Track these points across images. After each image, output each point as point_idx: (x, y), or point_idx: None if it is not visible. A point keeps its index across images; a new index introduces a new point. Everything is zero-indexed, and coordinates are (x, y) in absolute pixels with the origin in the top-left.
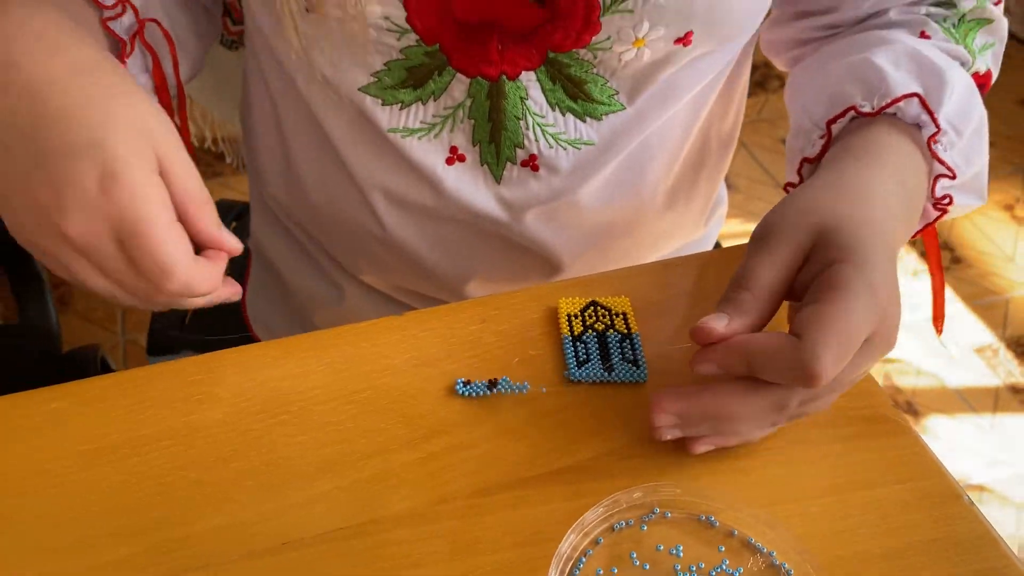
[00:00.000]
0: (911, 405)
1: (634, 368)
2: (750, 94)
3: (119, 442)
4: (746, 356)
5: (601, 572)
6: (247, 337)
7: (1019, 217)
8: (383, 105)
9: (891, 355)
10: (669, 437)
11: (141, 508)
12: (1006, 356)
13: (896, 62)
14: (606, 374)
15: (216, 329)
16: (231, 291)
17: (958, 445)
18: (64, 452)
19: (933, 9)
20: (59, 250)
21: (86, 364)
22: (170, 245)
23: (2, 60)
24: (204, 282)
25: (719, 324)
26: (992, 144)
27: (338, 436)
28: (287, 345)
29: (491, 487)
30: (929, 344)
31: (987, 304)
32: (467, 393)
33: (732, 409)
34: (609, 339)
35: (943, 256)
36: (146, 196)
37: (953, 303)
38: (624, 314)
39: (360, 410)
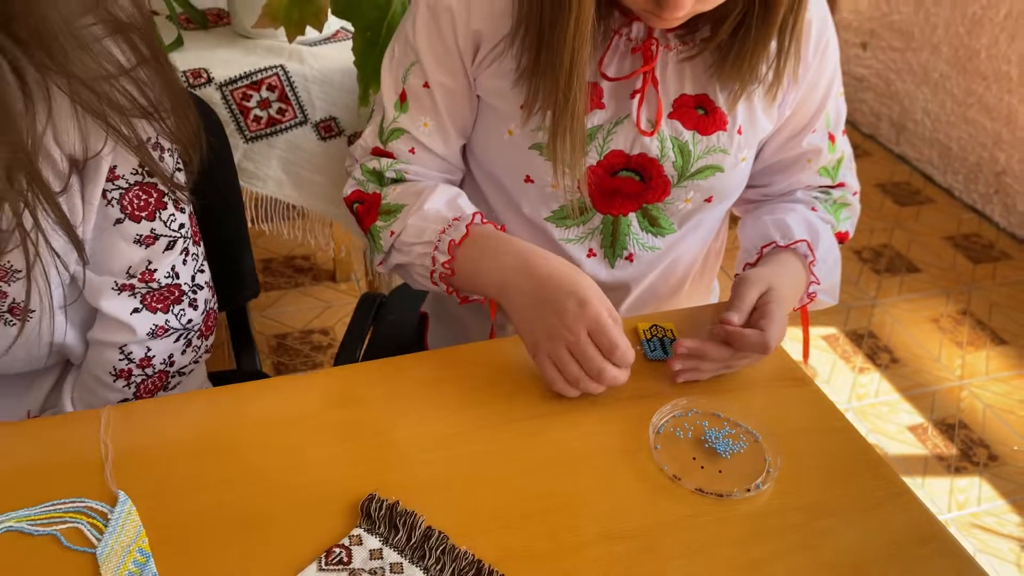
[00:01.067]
0: None
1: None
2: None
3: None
4: (739, 336)
5: (670, 429)
6: None
7: (943, 328)
8: (556, 227)
9: None
10: (681, 379)
11: None
12: (933, 433)
13: (797, 222)
14: (663, 355)
15: None
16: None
17: None
18: None
19: (818, 194)
20: (560, 352)
21: None
22: (616, 331)
23: (522, 263)
24: (628, 361)
25: (734, 318)
26: (922, 271)
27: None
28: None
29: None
30: (873, 424)
31: (918, 394)
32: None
33: (714, 360)
34: (664, 340)
35: (884, 358)
36: (600, 310)
37: (892, 392)
38: (671, 329)
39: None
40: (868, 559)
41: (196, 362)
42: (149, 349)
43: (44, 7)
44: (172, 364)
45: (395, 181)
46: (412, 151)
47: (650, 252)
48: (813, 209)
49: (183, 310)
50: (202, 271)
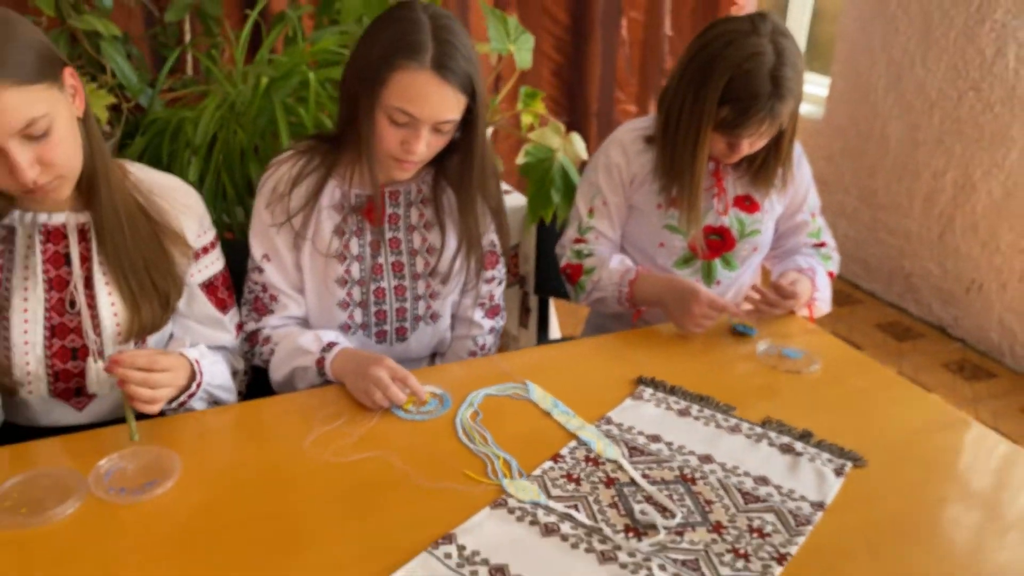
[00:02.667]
0: None
1: (749, 329)
2: None
3: None
4: (785, 291)
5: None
6: None
7: None
8: (677, 269)
9: None
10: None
11: None
12: None
13: (805, 260)
14: (745, 331)
15: None
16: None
17: None
18: None
19: (811, 250)
20: (689, 318)
21: None
22: (718, 300)
23: (664, 283)
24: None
25: (783, 280)
26: (864, 349)
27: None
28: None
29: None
30: None
31: None
32: (741, 331)
33: (772, 306)
34: (739, 327)
35: None
36: (702, 292)
37: None
38: (743, 322)
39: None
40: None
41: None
42: None
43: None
44: None
45: (589, 255)
46: (597, 238)
47: (725, 280)
48: (811, 257)
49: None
50: None
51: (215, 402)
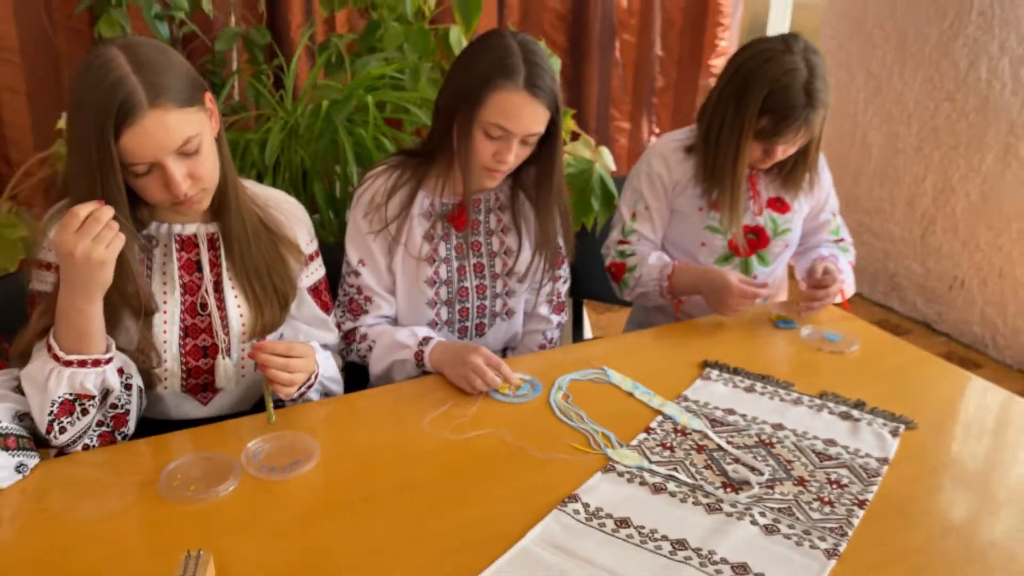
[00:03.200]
0: None
1: (790, 322)
2: None
3: None
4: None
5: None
6: None
7: None
8: (717, 266)
9: None
10: (805, 312)
11: None
12: None
13: (826, 252)
14: (787, 326)
15: None
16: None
17: None
18: None
19: (832, 246)
20: (725, 304)
21: None
22: (750, 288)
23: (698, 273)
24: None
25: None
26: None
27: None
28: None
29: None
30: None
31: None
32: (783, 326)
33: (818, 300)
34: (780, 320)
35: None
36: (730, 279)
37: None
38: (783, 315)
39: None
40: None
41: None
42: None
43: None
44: None
45: (631, 255)
46: (639, 240)
47: (761, 274)
48: (831, 248)
49: None
50: None
51: (326, 393)
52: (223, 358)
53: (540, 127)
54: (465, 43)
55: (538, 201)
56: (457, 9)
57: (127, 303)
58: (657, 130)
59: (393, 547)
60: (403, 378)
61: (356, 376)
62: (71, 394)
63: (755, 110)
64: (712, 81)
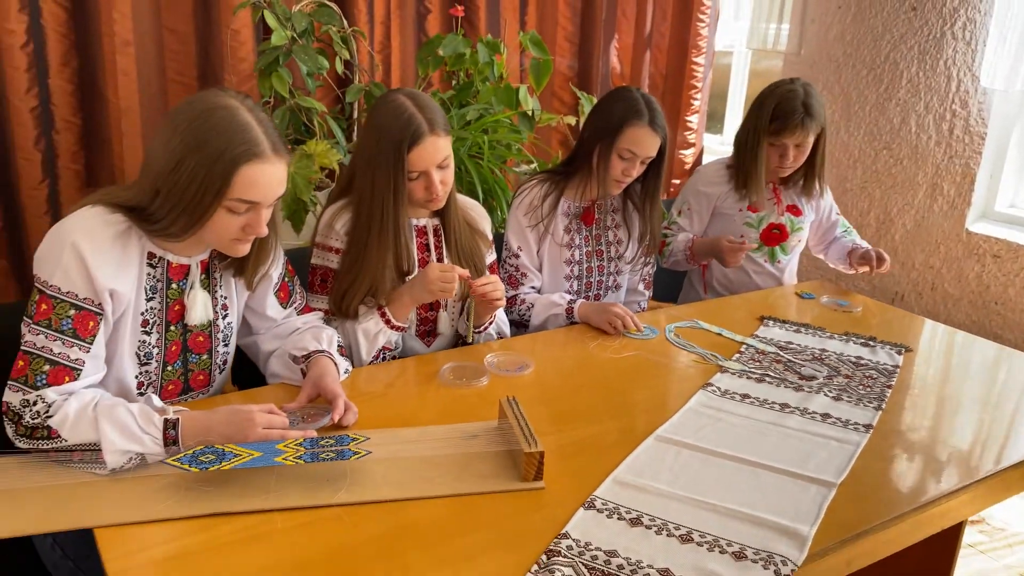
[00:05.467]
0: None
1: (811, 294)
2: None
3: None
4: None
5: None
6: None
7: None
8: (750, 253)
9: None
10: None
11: None
12: None
13: (857, 241)
14: (807, 296)
15: None
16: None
17: None
18: None
19: (853, 233)
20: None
21: None
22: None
23: (711, 241)
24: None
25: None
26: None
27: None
28: None
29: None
30: None
31: None
32: (806, 297)
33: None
34: (803, 295)
35: None
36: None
37: None
38: (804, 291)
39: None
40: None
41: None
42: None
43: None
44: None
45: (669, 237)
46: (677, 230)
47: (783, 261)
48: (852, 237)
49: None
50: None
51: (499, 335)
52: (443, 311)
53: (655, 152)
54: (531, 100)
55: (643, 207)
56: (531, 73)
57: (401, 275)
58: None
59: (592, 411)
60: (555, 327)
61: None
62: (384, 345)
63: (767, 119)
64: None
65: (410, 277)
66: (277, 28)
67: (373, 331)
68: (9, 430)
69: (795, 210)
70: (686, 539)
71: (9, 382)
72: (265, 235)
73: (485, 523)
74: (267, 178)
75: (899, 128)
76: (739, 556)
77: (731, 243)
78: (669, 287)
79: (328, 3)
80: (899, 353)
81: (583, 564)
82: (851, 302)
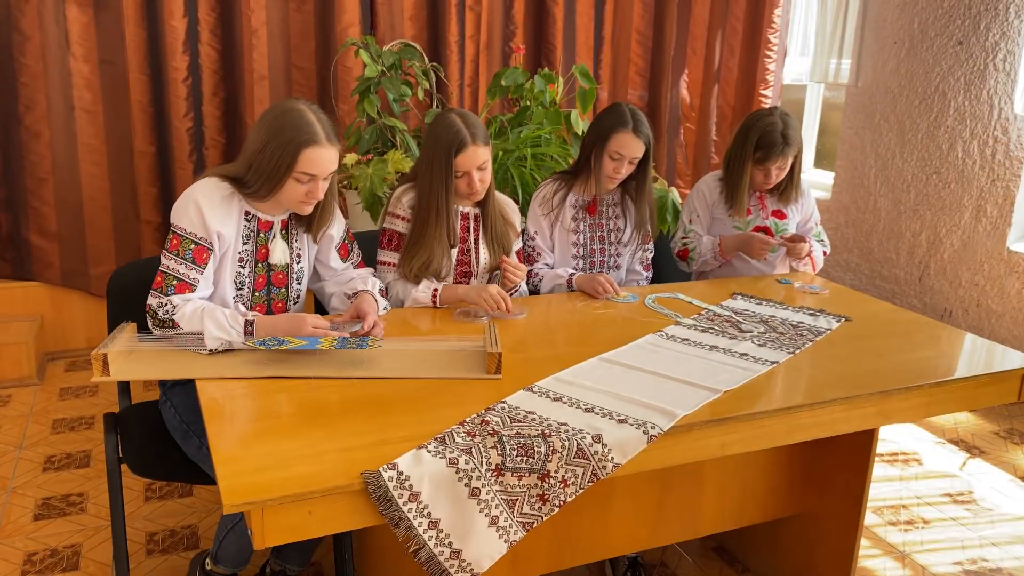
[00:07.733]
0: None
1: (789, 280)
2: None
3: None
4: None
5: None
6: None
7: None
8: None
9: None
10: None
11: None
12: None
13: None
14: (790, 282)
15: None
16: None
17: None
18: None
19: (817, 239)
20: (604, 284)
21: None
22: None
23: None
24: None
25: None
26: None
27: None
28: None
29: None
30: None
31: None
32: (784, 283)
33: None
34: (782, 280)
35: None
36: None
37: None
38: (786, 277)
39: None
40: None
41: None
42: None
43: None
44: None
45: (691, 242)
46: (694, 235)
47: (771, 258)
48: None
49: None
50: None
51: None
52: (475, 278)
53: (640, 154)
54: (581, 122)
55: (636, 200)
56: (579, 99)
57: (447, 248)
58: None
59: (562, 342)
60: (556, 293)
61: None
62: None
63: (751, 147)
64: None
65: (455, 251)
66: (370, 63)
67: (422, 301)
68: (149, 322)
69: (779, 214)
70: (588, 410)
71: (151, 291)
72: (322, 200)
73: (452, 396)
74: (323, 158)
75: (947, 154)
76: (621, 422)
77: (762, 239)
78: (673, 276)
79: (411, 44)
80: (838, 321)
81: (508, 416)
82: (820, 288)
